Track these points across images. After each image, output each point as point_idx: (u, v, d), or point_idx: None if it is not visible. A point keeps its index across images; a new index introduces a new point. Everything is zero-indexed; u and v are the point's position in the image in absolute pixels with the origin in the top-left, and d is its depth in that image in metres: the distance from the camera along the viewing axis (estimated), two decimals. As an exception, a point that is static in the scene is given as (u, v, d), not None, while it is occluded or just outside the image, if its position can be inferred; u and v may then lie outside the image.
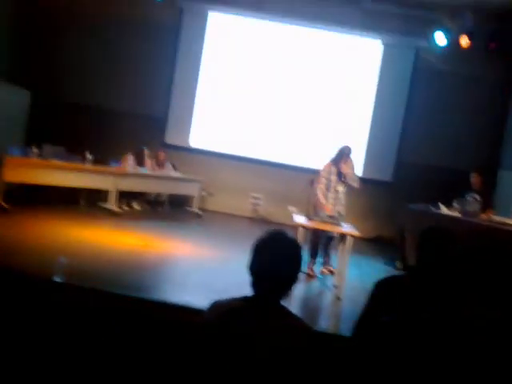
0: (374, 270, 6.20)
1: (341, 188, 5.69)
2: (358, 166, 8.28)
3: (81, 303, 3.39)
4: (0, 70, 8.48)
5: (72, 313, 3.21)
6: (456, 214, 6.10)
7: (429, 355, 2.06)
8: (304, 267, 5.57)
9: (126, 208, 7.96)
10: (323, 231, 5.43)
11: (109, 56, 9.26)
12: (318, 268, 5.77)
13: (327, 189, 5.62)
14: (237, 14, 9.22)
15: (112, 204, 7.57)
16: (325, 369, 2.00)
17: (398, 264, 6.50)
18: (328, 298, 5.10)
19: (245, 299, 1.80)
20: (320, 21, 9.01)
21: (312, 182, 5.84)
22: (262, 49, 9.32)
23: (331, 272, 5.72)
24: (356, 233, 5.03)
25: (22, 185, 6.84)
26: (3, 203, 6.29)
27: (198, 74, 9.42)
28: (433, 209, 6.30)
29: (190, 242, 6.68)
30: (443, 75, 8.86)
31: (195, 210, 8.69)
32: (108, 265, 4.74)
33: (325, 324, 4.37)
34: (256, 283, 1.79)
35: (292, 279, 1.80)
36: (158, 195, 8.61)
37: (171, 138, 9.44)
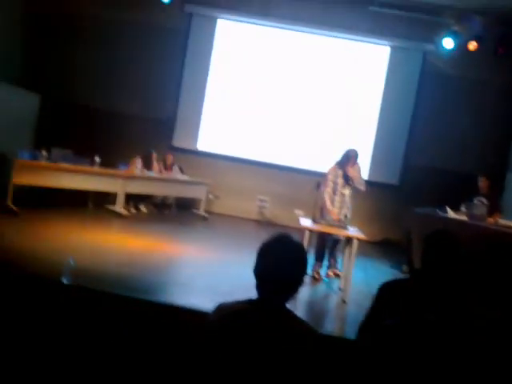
0: (380, 274, 6.19)
1: (347, 191, 5.69)
2: (364, 169, 8.28)
3: (88, 305, 3.42)
4: (10, 74, 8.55)
5: (80, 315, 3.24)
6: (463, 217, 6.08)
7: (433, 358, 2.06)
8: (310, 270, 5.58)
9: (133, 211, 8.01)
10: (329, 234, 5.44)
11: (118, 60, 9.34)
12: (323, 271, 5.78)
13: (334, 192, 5.62)
14: (245, 19, 9.28)
15: (120, 207, 7.62)
16: (329, 372, 2.01)
17: (405, 267, 6.49)
18: (334, 301, 5.10)
19: (250, 302, 1.81)
20: (327, 26, 9.04)
21: (318, 185, 5.84)
22: (269, 54, 9.36)
23: (337, 275, 5.72)
24: (362, 236, 5.03)
25: (32, 187, 6.91)
26: (12, 206, 6.36)
27: (206, 78, 9.48)
28: (439, 212, 6.28)
29: (197, 244, 6.71)
30: (450, 79, 8.84)
31: (202, 212, 8.72)
32: (115, 267, 4.77)
33: (330, 327, 4.37)
34: (261, 286, 1.80)
35: (297, 282, 1.81)
36: (165, 198, 8.65)
37: (179, 141, 9.50)
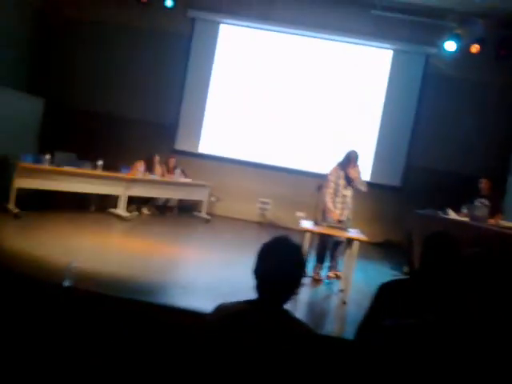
0: (381, 275, 6.19)
1: (349, 192, 5.71)
2: (366, 170, 8.31)
3: (90, 308, 3.43)
4: (15, 79, 8.62)
5: (81, 317, 3.25)
6: (464, 219, 6.08)
7: (432, 359, 2.06)
8: (311, 271, 5.60)
9: (135, 213, 8.04)
10: (330, 236, 5.45)
11: (121, 64, 9.41)
12: (324, 273, 5.79)
13: (335, 193, 5.64)
14: (247, 24, 9.33)
15: (122, 209, 7.65)
16: (328, 372, 2.02)
17: (405, 268, 6.49)
18: (334, 302, 5.11)
19: (249, 303, 1.82)
20: (330, 29, 9.08)
21: (319, 187, 5.86)
22: (271, 57, 9.41)
23: (338, 276, 5.73)
24: (362, 237, 5.04)
25: (35, 191, 6.94)
26: (15, 209, 6.39)
27: (208, 82, 9.52)
28: (441, 214, 6.29)
29: (199, 246, 6.73)
30: (453, 81, 8.86)
31: (204, 215, 8.75)
32: (117, 269, 4.78)
33: (330, 328, 4.38)
34: (260, 287, 1.82)
35: (295, 284, 1.83)
36: (167, 200, 8.68)
37: (181, 144, 9.54)
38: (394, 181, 9.14)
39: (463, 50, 8.41)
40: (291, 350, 1.73)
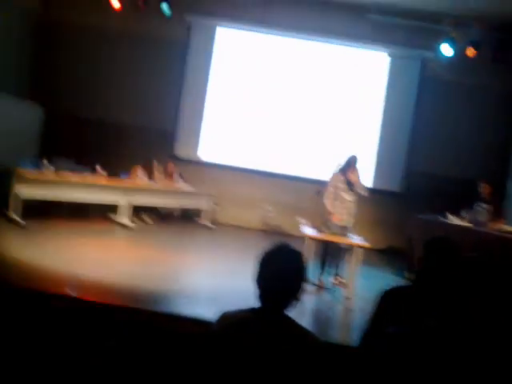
0: (383, 281, 6.20)
1: (349, 197, 5.75)
2: (367, 176, 8.33)
3: (94, 318, 3.45)
4: (14, 86, 8.66)
5: (85, 327, 3.26)
6: (465, 223, 6.11)
7: (435, 365, 2.08)
8: (314, 278, 5.61)
9: (137, 221, 8.05)
10: (333, 242, 5.48)
11: (119, 70, 9.42)
12: (328, 279, 5.80)
13: (335, 197, 5.69)
14: (244, 28, 9.35)
15: (123, 218, 7.67)
16: (332, 379, 2.04)
17: (407, 274, 6.50)
18: (338, 308, 5.12)
19: (252, 311, 1.85)
20: (327, 34, 9.11)
21: (319, 192, 5.91)
22: (269, 62, 9.42)
23: (341, 283, 5.74)
24: (365, 244, 5.06)
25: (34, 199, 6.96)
26: (15, 216, 6.41)
27: (206, 88, 9.53)
28: (441, 219, 6.32)
29: (202, 255, 6.74)
30: (450, 85, 8.90)
31: (206, 223, 8.76)
32: (118, 278, 4.78)
33: (335, 335, 4.39)
34: (262, 295, 1.84)
35: (296, 290, 1.86)
36: (172, 209, 8.70)
37: (180, 150, 9.53)
38: (395, 186, 9.16)
39: (459, 54, 8.44)
40: (295, 357, 1.75)
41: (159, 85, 9.47)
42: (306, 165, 9.29)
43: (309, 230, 5.25)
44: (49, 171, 6.97)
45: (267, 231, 9.01)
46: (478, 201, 6.48)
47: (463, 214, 6.34)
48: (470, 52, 8.32)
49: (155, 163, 8.47)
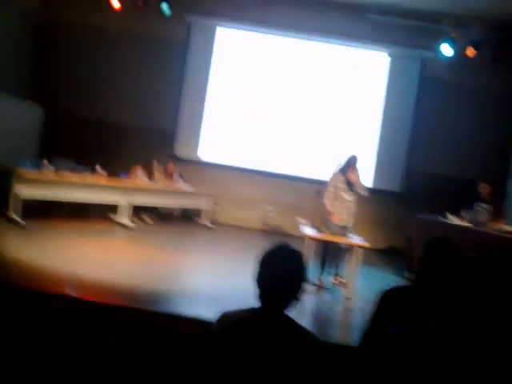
0: (383, 281, 6.20)
1: (349, 197, 5.76)
2: (367, 176, 8.34)
3: (94, 318, 3.45)
4: (14, 86, 8.66)
5: (85, 327, 3.27)
6: (465, 223, 6.11)
7: (435, 365, 2.08)
8: (314, 278, 5.61)
9: (137, 221, 8.05)
10: (333, 242, 5.48)
11: (119, 70, 9.43)
12: (328, 279, 5.80)
13: (335, 198, 5.70)
14: (244, 28, 9.36)
15: (123, 218, 7.67)
16: (332, 379, 2.04)
17: (407, 274, 6.51)
18: (338, 308, 5.12)
19: (252, 311, 1.86)
20: (327, 34, 9.12)
21: (319, 192, 5.93)
22: (269, 62, 9.42)
23: (342, 283, 5.74)
24: (365, 244, 5.07)
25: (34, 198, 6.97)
26: (15, 216, 6.41)
27: (206, 88, 9.53)
28: (441, 219, 6.32)
29: (202, 255, 6.74)
30: (450, 85, 8.90)
31: (206, 223, 8.77)
32: (118, 278, 4.78)
33: (335, 335, 4.39)
34: (261, 295, 1.85)
35: (296, 290, 1.86)
36: (169, 208, 8.70)
37: (180, 150, 9.54)
38: (395, 186, 9.16)
39: (459, 54, 8.44)
40: (295, 357, 1.76)
41: (159, 85, 9.47)
42: (306, 165, 9.29)
43: (309, 230, 5.26)
44: (49, 171, 6.97)
45: (267, 231, 9.01)
46: (477, 201, 6.49)
47: (463, 213, 6.35)
48: (470, 52, 8.32)
49: (155, 163, 8.48)
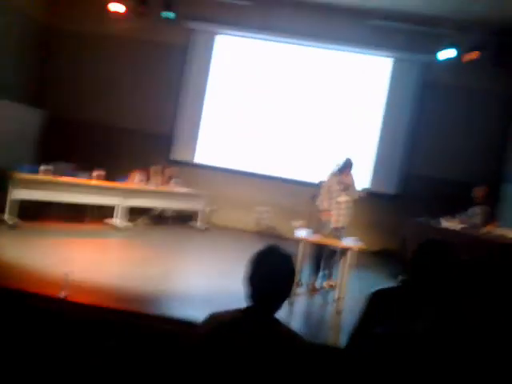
0: (377, 283, 6.21)
1: (345, 198, 5.77)
2: (365, 179, 8.36)
3: (86, 319, 3.45)
4: (14, 91, 8.67)
5: (76, 329, 3.26)
6: (459, 226, 6.13)
7: (420, 368, 2.08)
8: (307, 280, 5.62)
9: (133, 224, 8.05)
10: (326, 245, 5.49)
11: (118, 75, 9.47)
12: (321, 281, 5.81)
13: (329, 199, 5.72)
14: (244, 34, 9.42)
15: (120, 220, 7.67)
16: (320, 380, 2.04)
17: (400, 277, 6.51)
18: (329, 311, 5.12)
19: (240, 311, 1.86)
20: (328, 39, 9.17)
21: (315, 196, 5.94)
22: (268, 67, 9.49)
23: (333, 286, 5.75)
24: (357, 246, 5.07)
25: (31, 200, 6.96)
26: (11, 219, 6.41)
27: (204, 92, 9.59)
28: (436, 221, 6.34)
29: (196, 256, 6.74)
30: (450, 89, 8.94)
31: (201, 224, 8.77)
32: (114, 280, 4.79)
33: (325, 337, 4.39)
34: (251, 296, 1.86)
35: (286, 292, 1.87)
36: (164, 211, 8.71)
37: (178, 154, 9.57)
38: (392, 189, 9.19)
39: (461, 58, 8.48)
40: (282, 358, 1.76)
41: (158, 89, 9.54)
42: (304, 168, 9.32)
43: (303, 233, 5.26)
44: (46, 174, 6.96)
45: (263, 233, 9.02)
46: (472, 204, 6.51)
47: (457, 216, 6.37)
48: (472, 56, 8.36)
49: (153, 167, 8.51)
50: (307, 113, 9.39)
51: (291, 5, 9.11)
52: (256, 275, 1.86)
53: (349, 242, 5.24)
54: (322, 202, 5.71)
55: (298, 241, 5.09)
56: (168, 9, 8.83)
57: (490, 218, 6.30)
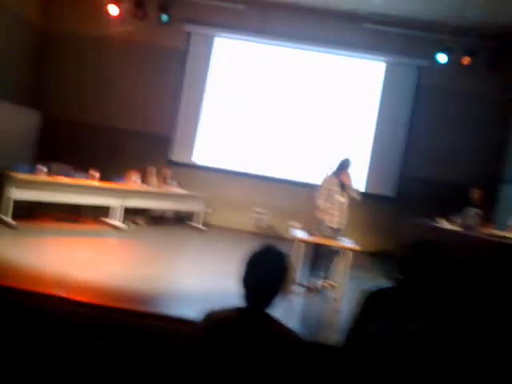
0: (373, 283, 6.23)
1: (342, 199, 5.80)
2: (361, 181, 8.39)
3: (83, 318, 3.46)
4: (11, 92, 8.68)
5: (74, 328, 3.27)
6: (455, 227, 6.17)
7: (417, 368, 2.10)
8: (304, 280, 5.64)
9: (130, 224, 8.06)
10: (324, 245, 5.52)
11: (117, 77, 9.49)
12: (318, 281, 5.83)
13: (327, 199, 5.75)
14: (242, 38, 9.47)
15: (116, 220, 7.68)
16: (316, 378, 2.07)
17: (396, 277, 6.53)
18: (327, 311, 5.15)
19: (237, 309, 1.89)
20: (324, 42, 9.23)
21: (311, 196, 5.98)
22: (265, 70, 9.53)
23: (331, 286, 5.77)
24: (355, 247, 5.10)
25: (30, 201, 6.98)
26: (9, 219, 6.42)
27: (203, 95, 9.63)
28: (432, 223, 6.38)
29: (194, 257, 6.75)
30: (445, 93, 9.00)
31: (199, 225, 8.78)
32: (111, 280, 4.80)
33: (322, 336, 4.42)
34: (246, 295, 1.89)
35: (280, 291, 1.90)
36: (162, 211, 8.72)
37: (176, 155, 9.60)
38: (389, 191, 9.23)
39: (455, 62, 8.54)
40: (278, 355, 1.79)
41: (158, 92, 9.57)
42: (301, 170, 9.36)
43: (299, 233, 5.29)
44: (43, 175, 6.98)
45: (261, 234, 9.04)
46: (469, 205, 6.54)
47: (454, 218, 6.40)
48: (466, 60, 8.42)
49: (151, 169, 8.53)
50: (304, 115, 9.43)
51: (287, 9, 9.16)
52: (251, 274, 1.90)
53: (345, 242, 5.27)
54: (319, 201, 5.75)
55: (296, 241, 5.11)
56: (165, 12, 8.90)
57: (486, 219, 6.33)
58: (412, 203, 8.49)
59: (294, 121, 9.45)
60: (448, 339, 2.23)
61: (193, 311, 3.92)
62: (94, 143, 9.18)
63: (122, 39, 9.37)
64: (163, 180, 8.76)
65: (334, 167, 5.90)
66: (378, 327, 2.18)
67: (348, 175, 5.84)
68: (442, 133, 9.09)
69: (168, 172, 8.85)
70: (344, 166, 5.83)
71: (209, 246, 7.80)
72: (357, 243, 5.27)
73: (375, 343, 2.08)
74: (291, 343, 1.86)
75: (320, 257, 5.73)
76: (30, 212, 7.09)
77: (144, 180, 8.39)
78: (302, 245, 5.10)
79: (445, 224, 6.31)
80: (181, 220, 9.00)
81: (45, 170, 7.05)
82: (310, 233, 5.37)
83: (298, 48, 9.40)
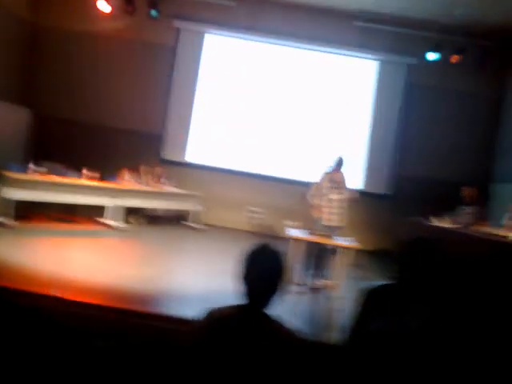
0: (371, 281, 6.27)
1: (337, 197, 5.83)
2: (357, 180, 8.42)
3: (81, 318, 3.45)
4: (1, 90, 8.61)
5: (71, 328, 3.27)
6: (449, 225, 6.22)
7: (416, 364, 2.12)
8: (301, 279, 5.65)
9: (123, 223, 8.03)
10: (319, 244, 5.53)
11: (107, 74, 9.44)
12: (315, 280, 5.84)
13: (320, 196, 5.78)
14: (232, 34, 9.44)
15: (111, 219, 7.65)
16: (314, 376, 2.09)
17: (393, 275, 6.57)
18: (324, 309, 5.16)
19: (238, 307, 1.92)
20: (314, 40, 9.24)
21: (304, 194, 6.02)
22: (256, 67, 9.53)
23: (327, 285, 5.79)
24: (352, 245, 5.12)
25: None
26: (4, 219, 6.37)
27: (193, 92, 9.59)
28: (427, 221, 6.43)
29: (189, 256, 6.75)
30: (436, 91, 9.07)
31: (193, 224, 8.77)
32: (105, 280, 4.78)
33: (319, 335, 4.43)
34: (244, 293, 1.92)
35: (277, 290, 1.92)
36: (156, 210, 8.70)
37: (168, 153, 9.57)
38: (385, 189, 9.28)
39: (445, 61, 8.60)
40: (275, 352, 1.82)
41: (147, 89, 9.53)
42: (296, 168, 9.38)
43: (294, 232, 5.30)
44: (36, 174, 6.94)
45: (256, 232, 9.05)
46: (462, 204, 6.59)
47: (448, 216, 6.45)
48: (456, 59, 8.48)
49: (143, 167, 8.50)
50: (296, 113, 9.45)
51: (278, 6, 9.17)
52: (248, 273, 1.93)
53: (341, 241, 5.29)
54: (313, 198, 5.79)
55: (292, 240, 5.12)
56: (154, 7, 8.85)
57: (480, 217, 6.38)
58: (408, 201, 8.55)
59: (286, 118, 9.46)
60: (446, 336, 2.25)
61: (192, 311, 3.92)
62: (86, 142, 9.13)
63: (112, 35, 9.31)
64: (156, 179, 8.73)
65: (331, 165, 5.93)
66: (378, 324, 2.19)
67: (341, 174, 5.87)
68: (434, 131, 9.16)
69: (161, 171, 8.82)
70: (337, 164, 5.89)
71: (205, 245, 7.79)
72: (355, 241, 5.29)
73: (375, 341, 2.10)
74: (289, 342, 1.88)
75: (317, 255, 5.75)
76: (24, 212, 7.03)
77: (136, 179, 8.36)
78: (299, 244, 5.11)
79: (440, 222, 6.36)
80: (174, 219, 8.98)
81: (38, 169, 7.00)
82: (306, 231, 5.38)
83: (289, 46, 9.41)
